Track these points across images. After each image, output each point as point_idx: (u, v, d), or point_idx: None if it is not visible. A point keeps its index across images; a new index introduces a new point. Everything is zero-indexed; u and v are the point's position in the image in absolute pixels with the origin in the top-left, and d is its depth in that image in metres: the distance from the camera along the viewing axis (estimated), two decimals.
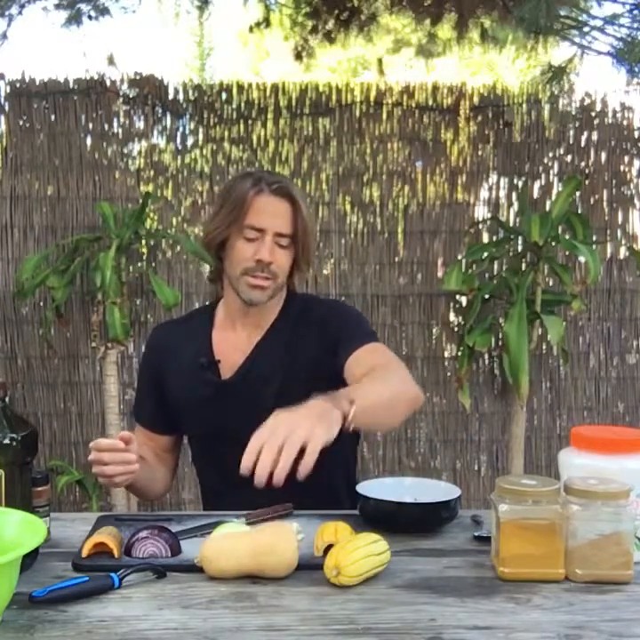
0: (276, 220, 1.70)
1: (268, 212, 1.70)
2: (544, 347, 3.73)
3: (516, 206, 3.75)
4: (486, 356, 3.76)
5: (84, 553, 1.32)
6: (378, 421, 1.61)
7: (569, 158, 3.78)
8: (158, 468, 1.81)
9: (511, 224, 3.72)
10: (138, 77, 3.65)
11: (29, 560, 1.28)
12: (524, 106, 3.76)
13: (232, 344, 1.80)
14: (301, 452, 1.27)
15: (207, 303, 2.01)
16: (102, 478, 1.55)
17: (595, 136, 3.77)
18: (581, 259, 3.54)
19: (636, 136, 3.77)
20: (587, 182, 3.72)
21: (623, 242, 3.78)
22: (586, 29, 3.17)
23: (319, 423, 1.31)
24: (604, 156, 3.77)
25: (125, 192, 3.64)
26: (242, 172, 1.86)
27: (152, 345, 1.92)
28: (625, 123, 3.77)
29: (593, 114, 3.77)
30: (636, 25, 2.99)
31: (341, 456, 1.85)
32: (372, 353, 1.70)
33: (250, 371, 1.76)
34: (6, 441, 1.31)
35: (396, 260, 3.74)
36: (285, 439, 1.27)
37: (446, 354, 3.79)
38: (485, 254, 3.44)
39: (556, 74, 3.16)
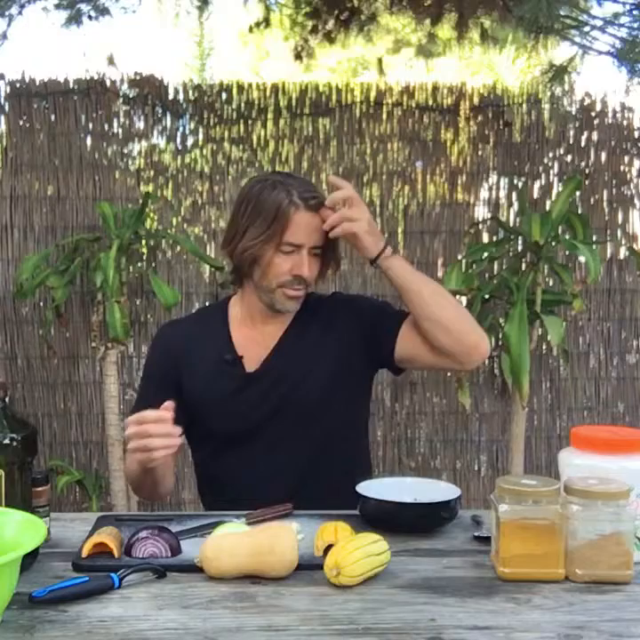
0: (311, 235, 1.72)
1: (304, 229, 1.71)
2: (544, 347, 3.73)
3: (515, 206, 3.75)
4: None
5: (84, 553, 1.32)
6: (416, 288, 1.71)
7: (569, 158, 3.78)
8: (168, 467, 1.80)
9: (511, 224, 3.72)
10: (138, 77, 3.65)
11: (29, 560, 1.28)
12: (524, 106, 3.76)
13: (254, 340, 1.83)
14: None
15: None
16: (141, 454, 1.51)
17: (595, 136, 3.77)
18: (581, 259, 3.53)
19: (636, 136, 3.77)
20: (587, 182, 3.72)
21: (623, 242, 3.78)
22: (586, 29, 3.17)
23: (373, 229, 1.71)
24: (604, 156, 3.77)
25: (125, 192, 3.64)
26: (266, 179, 1.79)
27: (162, 345, 1.90)
28: (625, 123, 3.77)
29: (593, 114, 3.76)
30: (636, 25, 2.98)
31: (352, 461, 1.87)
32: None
33: (276, 362, 1.80)
34: (6, 441, 1.31)
35: None
36: (354, 211, 1.68)
37: None
38: (485, 254, 3.44)
39: (557, 74, 3.16)
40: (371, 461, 2.00)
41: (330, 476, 1.73)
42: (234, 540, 1.30)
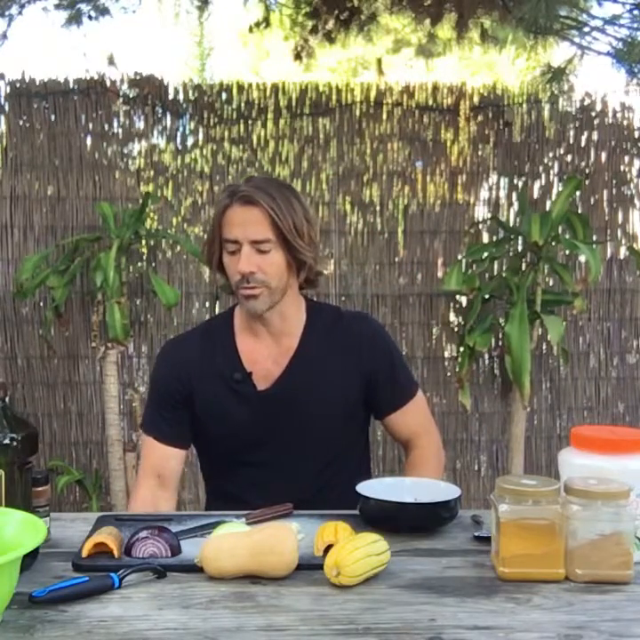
0: (247, 228, 1.69)
1: (237, 223, 1.70)
2: (544, 347, 3.73)
3: (516, 206, 3.74)
4: (486, 356, 3.75)
5: (84, 553, 1.32)
6: None
7: (569, 158, 3.78)
8: (159, 505, 1.79)
9: (511, 224, 3.72)
10: (138, 77, 3.65)
11: (29, 560, 1.28)
12: (524, 106, 3.76)
13: (260, 352, 1.80)
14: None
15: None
16: None
17: (595, 136, 3.77)
18: (582, 258, 3.54)
19: (636, 136, 3.77)
20: (587, 182, 3.72)
21: (623, 242, 3.78)
22: (586, 29, 3.17)
23: None
24: (604, 156, 3.77)
25: (125, 192, 3.64)
26: (227, 186, 1.86)
27: (168, 363, 1.86)
28: (625, 123, 3.76)
29: (593, 114, 3.76)
30: (635, 25, 2.99)
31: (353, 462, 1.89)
32: (415, 414, 1.90)
33: (288, 382, 1.78)
34: (6, 441, 1.31)
35: (396, 260, 3.74)
36: None
37: (446, 354, 3.79)
38: (485, 254, 3.44)
39: (556, 75, 3.16)
40: (371, 471, 2.01)
41: (333, 493, 1.73)
42: (234, 540, 1.30)
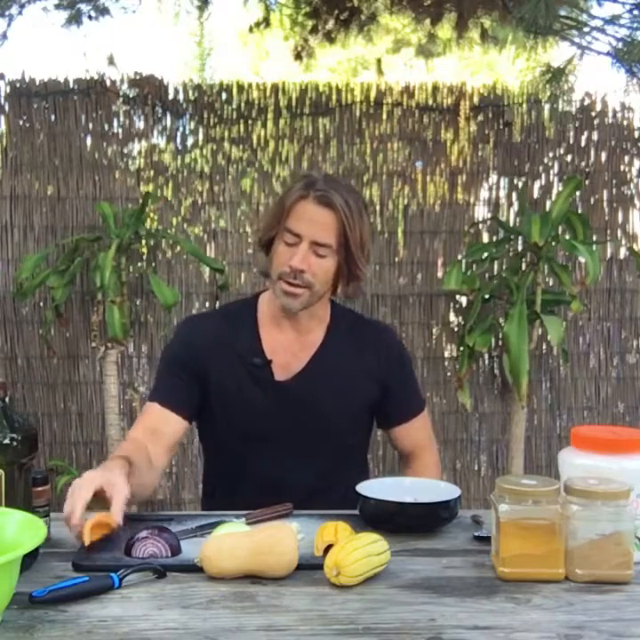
0: (314, 227, 1.69)
1: (306, 219, 1.69)
2: (544, 347, 3.73)
3: (516, 206, 3.74)
4: (486, 356, 3.75)
5: (86, 540, 1.32)
6: None
7: (569, 158, 3.78)
8: (147, 473, 1.69)
9: (511, 224, 3.72)
10: (138, 77, 3.65)
11: (29, 560, 1.28)
12: (524, 106, 3.76)
13: (281, 344, 1.81)
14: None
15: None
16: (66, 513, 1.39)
17: (595, 136, 3.77)
18: (581, 259, 3.54)
19: (636, 136, 3.77)
20: (587, 182, 3.72)
21: (623, 242, 3.78)
22: (586, 29, 3.16)
23: None
24: (604, 156, 3.77)
25: (125, 192, 3.64)
26: (304, 173, 1.83)
27: (187, 336, 1.84)
28: (625, 123, 3.77)
29: (593, 114, 3.76)
30: (635, 25, 2.98)
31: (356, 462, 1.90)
32: (420, 429, 1.94)
33: (307, 378, 1.79)
34: (6, 441, 1.31)
35: (396, 260, 3.74)
36: None
37: (446, 354, 3.79)
38: (485, 254, 3.44)
39: (556, 75, 3.15)
40: (369, 474, 2.02)
41: (332, 494, 1.73)
42: (234, 540, 1.30)
